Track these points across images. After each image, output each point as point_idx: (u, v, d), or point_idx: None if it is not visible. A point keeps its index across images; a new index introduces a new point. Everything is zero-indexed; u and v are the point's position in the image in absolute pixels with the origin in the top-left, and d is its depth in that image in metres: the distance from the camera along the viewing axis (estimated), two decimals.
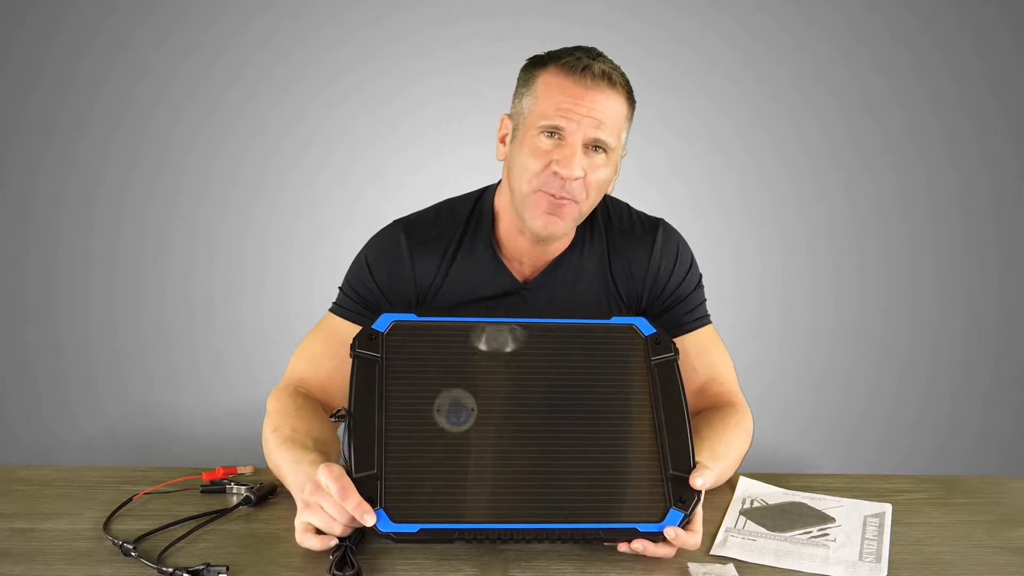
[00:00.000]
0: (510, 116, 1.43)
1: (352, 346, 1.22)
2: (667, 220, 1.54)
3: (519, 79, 1.43)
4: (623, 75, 1.39)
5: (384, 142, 2.39)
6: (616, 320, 1.30)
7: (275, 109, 2.38)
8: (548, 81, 1.37)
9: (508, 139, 1.43)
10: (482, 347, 1.22)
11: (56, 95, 2.36)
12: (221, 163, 2.39)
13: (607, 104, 1.35)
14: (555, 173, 1.34)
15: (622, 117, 1.39)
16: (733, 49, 2.40)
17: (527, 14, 2.33)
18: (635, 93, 1.43)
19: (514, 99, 1.43)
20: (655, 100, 2.39)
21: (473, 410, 1.17)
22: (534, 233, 1.40)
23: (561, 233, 1.40)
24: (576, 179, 1.35)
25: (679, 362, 1.28)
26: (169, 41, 2.36)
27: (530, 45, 1.44)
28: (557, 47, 1.41)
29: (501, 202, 1.46)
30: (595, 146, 1.36)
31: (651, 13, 2.38)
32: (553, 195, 1.36)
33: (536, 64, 1.40)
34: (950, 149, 2.44)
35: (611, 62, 1.39)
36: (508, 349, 1.22)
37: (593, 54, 1.38)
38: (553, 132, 1.35)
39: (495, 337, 1.23)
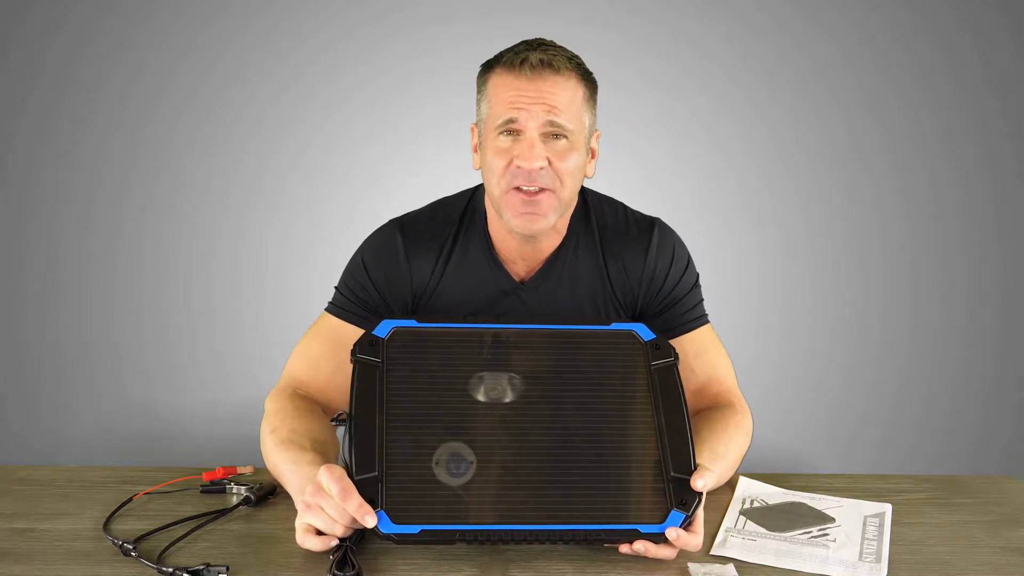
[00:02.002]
0: (475, 124, 1.44)
1: (353, 351, 1.22)
2: (663, 220, 1.53)
3: (476, 87, 1.43)
4: (570, 59, 1.39)
5: (384, 142, 2.39)
6: (616, 326, 1.30)
7: (275, 109, 2.38)
8: (495, 82, 1.38)
9: (478, 147, 1.43)
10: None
11: (56, 95, 2.36)
12: (221, 163, 2.39)
13: (554, 90, 1.35)
14: (519, 167, 1.35)
15: (578, 99, 1.38)
16: (733, 49, 2.40)
17: (527, 14, 2.33)
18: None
19: (476, 107, 1.43)
20: (655, 100, 2.40)
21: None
22: (518, 232, 1.40)
23: (544, 227, 1.39)
24: (539, 168, 1.35)
25: (678, 364, 1.28)
26: (169, 41, 2.36)
27: None
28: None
29: (489, 206, 1.46)
30: (554, 133, 1.36)
31: (651, 13, 2.38)
32: (524, 190, 1.36)
33: (485, 69, 1.41)
34: (950, 149, 2.44)
35: (555, 49, 1.38)
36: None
37: (534, 45, 1.38)
38: (510, 130, 1.35)
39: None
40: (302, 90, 2.38)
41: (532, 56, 1.35)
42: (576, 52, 1.42)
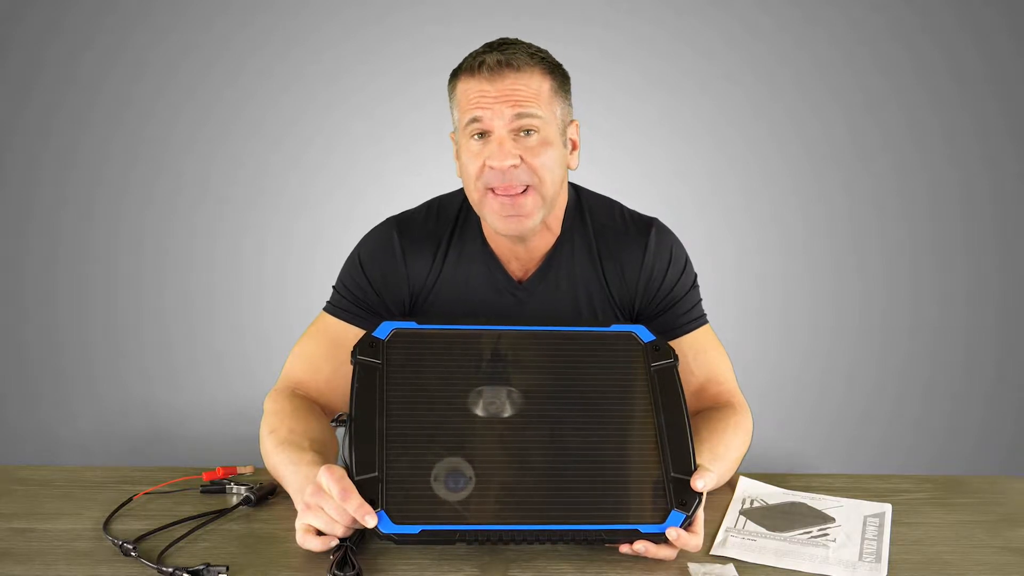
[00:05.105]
0: (453, 134, 1.44)
1: (353, 353, 1.22)
2: (663, 219, 1.52)
3: (447, 96, 1.43)
4: (532, 54, 1.38)
5: (384, 142, 2.39)
6: (615, 328, 1.30)
7: (275, 109, 2.38)
8: (461, 89, 1.38)
9: (457, 155, 1.43)
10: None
11: (56, 95, 2.36)
12: (221, 163, 2.39)
13: (516, 86, 1.35)
14: (492, 168, 1.34)
15: (544, 91, 1.37)
16: (733, 49, 2.40)
17: (527, 14, 2.33)
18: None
19: (450, 117, 1.43)
20: (656, 100, 2.40)
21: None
22: (505, 235, 1.40)
23: (531, 227, 1.38)
24: (511, 167, 1.34)
25: (678, 366, 1.28)
26: (169, 41, 2.36)
27: None
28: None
29: None
30: (523, 128, 1.35)
31: (651, 13, 2.38)
32: (498, 190, 1.35)
33: (452, 78, 1.41)
34: (950, 149, 2.44)
35: (515, 47, 1.37)
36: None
37: (494, 45, 1.38)
38: (480, 133, 1.35)
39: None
40: (302, 90, 2.38)
41: (489, 58, 1.35)
42: (572, 51, 1.42)
